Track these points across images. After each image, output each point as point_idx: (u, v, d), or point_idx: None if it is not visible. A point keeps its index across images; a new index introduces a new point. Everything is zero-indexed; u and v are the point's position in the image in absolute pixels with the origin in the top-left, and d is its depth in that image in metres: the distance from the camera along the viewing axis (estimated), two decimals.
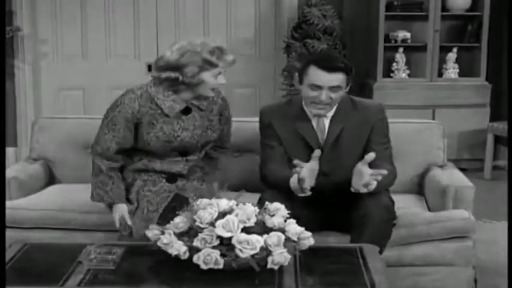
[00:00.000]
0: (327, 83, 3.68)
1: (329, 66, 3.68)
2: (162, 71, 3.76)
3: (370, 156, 3.55)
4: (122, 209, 3.80)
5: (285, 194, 3.57)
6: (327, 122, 3.86)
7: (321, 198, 3.67)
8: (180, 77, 3.71)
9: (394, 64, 7.48)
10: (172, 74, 3.72)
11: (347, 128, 3.84)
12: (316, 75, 3.70)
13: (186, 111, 3.83)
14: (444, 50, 7.44)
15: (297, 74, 3.88)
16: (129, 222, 3.74)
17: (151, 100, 3.79)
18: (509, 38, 6.82)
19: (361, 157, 3.73)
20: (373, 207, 3.56)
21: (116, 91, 7.62)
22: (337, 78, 3.68)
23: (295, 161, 3.56)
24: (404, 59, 7.46)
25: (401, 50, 7.42)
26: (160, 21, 7.76)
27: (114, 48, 7.80)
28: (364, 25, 7.59)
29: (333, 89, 3.69)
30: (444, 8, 7.33)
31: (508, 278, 3.44)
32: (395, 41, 7.44)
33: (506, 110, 7.55)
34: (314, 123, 3.86)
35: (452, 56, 7.49)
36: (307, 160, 3.70)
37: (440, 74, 7.48)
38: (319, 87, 3.70)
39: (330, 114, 3.85)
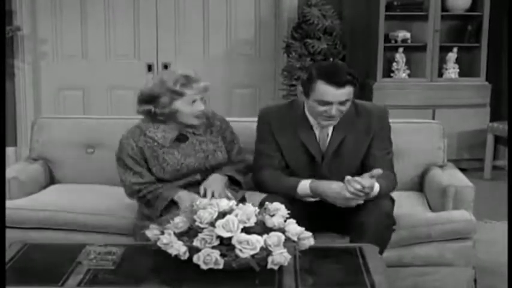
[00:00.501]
0: (337, 98, 3.60)
1: (338, 82, 3.59)
2: (140, 104, 3.89)
3: (378, 172, 3.54)
4: (185, 195, 3.78)
5: (286, 197, 3.57)
6: (329, 130, 3.82)
7: (321, 203, 3.66)
8: (153, 109, 3.83)
9: (394, 64, 7.48)
10: (147, 107, 3.85)
11: (350, 135, 3.81)
12: (325, 91, 3.60)
13: (183, 139, 3.91)
14: (444, 50, 7.44)
15: (300, 86, 3.79)
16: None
17: (144, 134, 3.88)
18: (509, 38, 6.81)
19: (362, 162, 3.79)
20: (372, 213, 3.55)
21: (116, 91, 7.73)
22: (347, 92, 3.62)
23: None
24: (404, 59, 7.46)
25: (401, 50, 7.42)
26: (160, 20, 7.75)
27: (114, 48, 7.80)
28: (364, 25, 7.59)
29: (342, 102, 3.64)
30: (444, 8, 7.33)
31: (508, 278, 3.44)
32: (395, 41, 7.44)
33: (506, 110, 7.54)
34: (317, 131, 3.83)
35: (452, 56, 7.48)
36: (308, 167, 3.76)
37: (440, 74, 7.48)
38: (328, 103, 3.63)
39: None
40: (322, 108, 3.65)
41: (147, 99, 3.83)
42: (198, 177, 3.92)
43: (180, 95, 3.78)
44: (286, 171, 3.85)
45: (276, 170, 3.83)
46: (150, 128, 3.89)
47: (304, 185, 3.67)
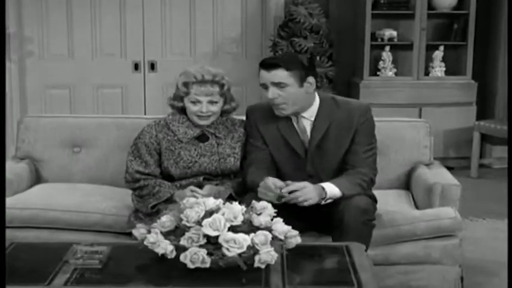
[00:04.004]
0: (267, 80, 3.76)
1: (265, 64, 3.80)
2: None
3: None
4: (184, 192, 3.80)
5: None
6: (308, 124, 3.86)
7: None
8: (170, 100, 4.02)
9: (381, 62, 7.50)
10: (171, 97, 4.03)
11: (331, 130, 3.83)
12: (260, 75, 3.81)
13: (203, 138, 3.97)
14: (430, 48, 7.46)
15: None
16: (202, 192, 3.78)
17: (168, 127, 3.98)
18: (509, 38, 6.83)
19: (343, 158, 3.82)
20: (348, 211, 3.56)
21: (103, 89, 7.73)
22: (277, 74, 3.74)
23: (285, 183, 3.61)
24: (390, 58, 7.48)
25: (387, 48, 7.44)
26: (146, 19, 7.74)
27: (100, 46, 7.79)
28: (351, 23, 7.60)
29: (277, 85, 3.74)
30: (430, 7, 7.36)
31: (508, 278, 3.45)
32: (382, 40, 7.46)
33: (492, 108, 7.59)
34: (295, 124, 3.87)
35: (438, 54, 7.51)
36: (292, 163, 3.79)
37: (426, 73, 7.51)
38: (266, 86, 3.78)
39: (311, 116, 3.86)
40: (265, 94, 3.82)
41: (174, 92, 4.03)
42: (201, 179, 3.95)
43: (185, 93, 3.92)
44: (273, 168, 3.86)
45: (259, 167, 3.84)
46: (175, 122, 3.99)
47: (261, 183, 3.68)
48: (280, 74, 3.74)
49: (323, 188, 3.63)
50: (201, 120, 3.92)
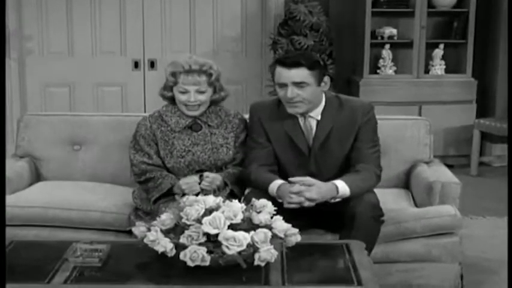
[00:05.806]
0: (288, 79, 3.71)
1: (288, 62, 3.73)
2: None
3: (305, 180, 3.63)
4: (180, 182, 3.84)
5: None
6: (313, 123, 3.86)
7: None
8: (161, 90, 4.05)
9: (381, 60, 7.50)
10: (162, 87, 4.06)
11: (335, 129, 3.83)
12: (279, 73, 3.75)
13: (197, 128, 3.99)
14: (430, 46, 7.46)
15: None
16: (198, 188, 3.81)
17: (162, 118, 4.01)
18: (509, 36, 6.83)
19: (347, 157, 3.81)
20: (359, 206, 3.57)
21: (102, 87, 7.72)
22: (298, 73, 3.70)
23: (290, 179, 3.64)
24: (390, 56, 7.47)
25: (387, 46, 7.44)
26: (146, 17, 7.73)
27: (100, 44, 7.77)
28: (351, 22, 7.59)
29: (298, 85, 3.71)
30: (430, 5, 7.36)
31: (508, 278, 3.45)
32: (382, 38, 7.46)
33: (492, 107, 7.59)
34: (301, 123, 3.86)
35: (438, 52, 7.50)
36: (296, 161, 3.79)
37: (426, 71, 7.50)
38: (284, 85, 3.73)
39: (317, 115, 3.85)
40: (281, 92, 3.77)
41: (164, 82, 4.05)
42: (196, 178, 3.92)
43: (173, 82, 3.95)
44: (275, 165, 3.87)
45: (261, 165, 3.84)
46: (168, 112, 4.02)
47: (275, 184, 3.69)
48: (302, 73, 3.71)
49: (336, 186, 3.63)
50: (190, 110, 3.94)
